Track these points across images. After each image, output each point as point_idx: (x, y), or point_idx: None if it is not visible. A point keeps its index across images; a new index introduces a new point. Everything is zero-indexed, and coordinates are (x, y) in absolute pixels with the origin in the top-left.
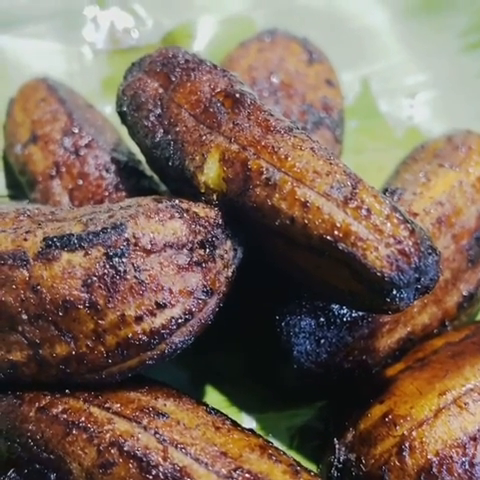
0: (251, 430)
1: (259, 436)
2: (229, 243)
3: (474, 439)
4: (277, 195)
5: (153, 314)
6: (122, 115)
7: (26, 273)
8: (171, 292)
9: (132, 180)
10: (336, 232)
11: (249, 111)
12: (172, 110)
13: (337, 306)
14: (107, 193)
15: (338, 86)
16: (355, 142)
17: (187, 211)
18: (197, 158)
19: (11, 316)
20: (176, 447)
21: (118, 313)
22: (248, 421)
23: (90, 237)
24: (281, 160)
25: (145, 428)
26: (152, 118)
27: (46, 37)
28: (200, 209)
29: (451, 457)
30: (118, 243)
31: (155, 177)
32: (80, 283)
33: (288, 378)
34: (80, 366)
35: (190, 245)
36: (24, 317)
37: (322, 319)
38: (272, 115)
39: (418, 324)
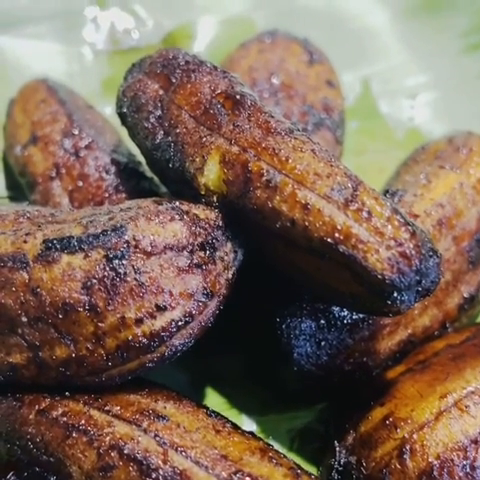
0: (251, 433)
1: (259, 439)
2: (229, 245)
3: (475, 442)
4: (278, 197)
5: (153, 316)
6: (122, 116)
7: (26, 275)
8: (171, 294)
9: (132, 181)
10: (337, 234)
11: (249, 113)
12: (172, 111)
13: (337, 308)
14: (107, 194)
15: (339, 87)
16: (355, 143)
17: (187, 213)
18: (197, 160)
19: (11, 318)
20: (176, 450)
21: (118, 315)
22: (248, 423)
23: (90, 239)
24: (282, 162)
25: (145, 431)
26: (152, 120)
27: (46, 38)
28: (200, 211)
29: (452, 460)
30: (118, 245)
31: (155, 178)
32: (80, 285)
33: (288, 380)
34: (80, 369)
35: (190, 247)
36: (24, 319)
37: (322, 321)
38: (273, 117)
39: (419, 326)
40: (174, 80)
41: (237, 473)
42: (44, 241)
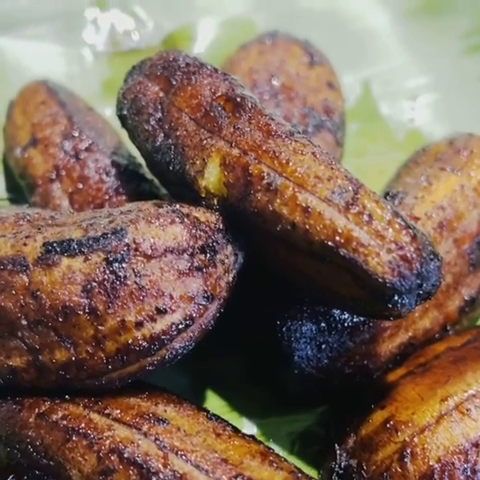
0: (252, 436)
1: (260, 443)
2: (230, 248)
3: (476, 445)
4: (278, 200)
5: (153, 320)
6: (122, 119)
7: (26, 278)
8: (171, 297)
9: (132, 184)
10: (337, 238)
11: (250, 115)
12: (173, 114)
13: (338, 311)
14: (107, 197)
15: (339, 89)
16: (356, 145)
17: (188, 216)
18: (198, 162)
19: (11, 322)
20: (176, 454)
21: (118, 319)
22: (249, 426)
23: (90, 242)
24: (282, 165)
25: (145, 434)
26: (152, 122)
27: (46, 39)
28: (201, 214)
29: (453, 463)
30: (118, 248)
31: (156, 181)
32: (80, 289)
33: (289, 383)
34: (80, 372)
35: (191, 250)
36: (24, 323)
37: (323, 324)
38: (273, 119)
39: (419, 329)
40: (174, 82)
41: (237, 477)
42: (44, 244)
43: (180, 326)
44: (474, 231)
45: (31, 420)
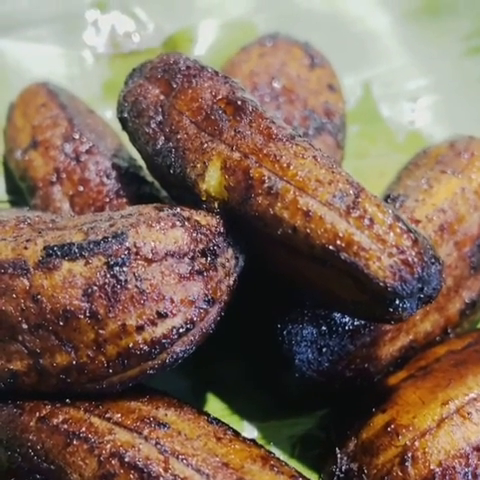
0: (253, 440)
1: (261, 447)
2: (231, 251)
3: (477, 449)
4: (279, 204)
5: (154, 323)
6: (123, 121)
7: (26, 282)
8: (172, 301)
9: (133, 186)
10: (338, 242)
11: (251, 118)
12: (173, 117)
13: (339, 314)
14: (108, 199)
15: (340, 91)
16: (356, 147)
17: (188, 219)
18: (198, 166)
19: (11, 325)
20: (177, 458)
21: (119, 323)
22: (249, 430)
23: (91, 246)
24: (283, 169)
25: (146, 438)
26: (153, 125)
27: (47, 41)
28: (201, 217)
29: (454, 468)
30: (119, 252)
31: (156, 183)
32: (81, 292)
33: (290, 387)
34: (80, 376)
35: (191, 254)
36: (24, 326)
37: (324, 327)
38: (274, 122)
39: (420, 332)
40: (175, 85)
41: None
42: (45, 248)
43: (181, 330)
44: (475, 234)
45: (32, 424)
